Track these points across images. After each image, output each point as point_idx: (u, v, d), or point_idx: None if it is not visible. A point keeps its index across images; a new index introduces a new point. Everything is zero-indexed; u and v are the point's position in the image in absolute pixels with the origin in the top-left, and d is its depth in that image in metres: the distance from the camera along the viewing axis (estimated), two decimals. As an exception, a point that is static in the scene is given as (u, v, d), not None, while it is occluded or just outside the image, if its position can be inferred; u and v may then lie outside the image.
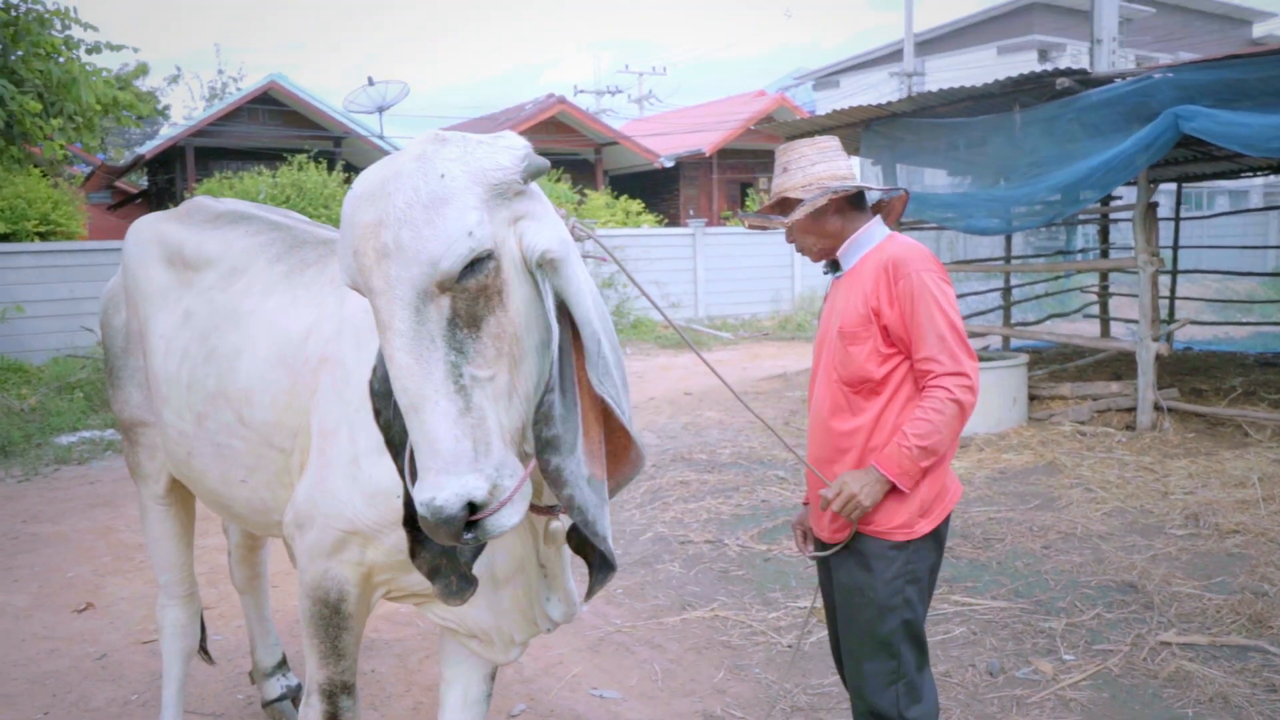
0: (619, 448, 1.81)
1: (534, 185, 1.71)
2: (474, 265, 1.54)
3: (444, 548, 1.76)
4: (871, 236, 2.41)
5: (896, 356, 2.31)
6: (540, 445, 1.61)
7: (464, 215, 1.53)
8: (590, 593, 2.01)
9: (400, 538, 2.05)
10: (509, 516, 1.55)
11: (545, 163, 1.68)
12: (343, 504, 2.12)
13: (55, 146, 7.19)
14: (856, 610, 2.37)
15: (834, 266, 2.46)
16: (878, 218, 2.44)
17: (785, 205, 2.43)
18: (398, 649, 4.16)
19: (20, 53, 6.73)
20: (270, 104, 19.31)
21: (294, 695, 3.56)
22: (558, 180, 17.66)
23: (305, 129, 19.40)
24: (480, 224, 1.55)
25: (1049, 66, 8.90)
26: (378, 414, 1.79)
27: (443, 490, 1.48)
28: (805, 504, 2.64)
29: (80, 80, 7.11)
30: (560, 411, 1.62)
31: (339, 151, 19.40)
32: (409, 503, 1.70)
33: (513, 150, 1.65)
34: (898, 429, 2.29)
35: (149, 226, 2.87)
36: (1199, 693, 3.53)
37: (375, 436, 2.04)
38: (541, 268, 1.65)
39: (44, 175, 13.66)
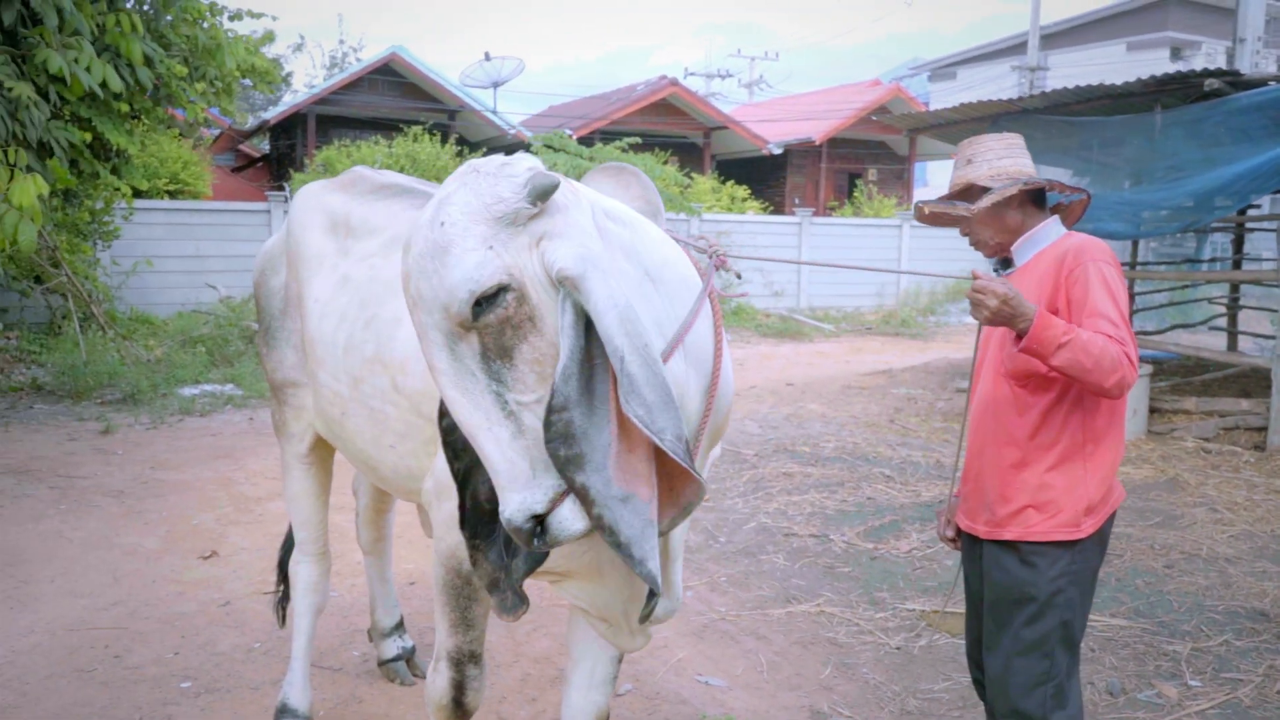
0: (670, 470, 1.72)
1: (562, 198, 1.69)
2: (486, 302, 1.59)
3: (501, 562, 1.87)
4: (1048, 234, 2.40)
5: None
6: (560, 463, 1.59)
7: (462, 260, 1.58)
8: (641, 618, 2.06)
9: None
10: (571, 522, 1.60)
11: (553, 179, 1.65)
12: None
13: (197, 110, 7.46)
14: (1013, 607, 2.33)
15: (1004, 264, 2.43)
16: (1055, 217, 2.43)
17: (964, 196, 2.41)
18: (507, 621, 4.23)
19: (169, 18, 6.99)
20: (390, 75, 19.73)
21: (408, 656, 3.66)
22: (665, 163, 17.63)
23: (422, 101, 19.77)
24: (480, 265, 1.58)
25: (1181, 65, 8.53)
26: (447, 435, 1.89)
27: (508, 506, 1.61)
28: (956, 496, 2.60)
29: (224, 46, 7.36)
30: (581, 428, 1.58)
31: (453, 125, 19.71)
32: (461, 506, 1.90)
33: (513, 179, 1.64)
34: (1066, 426, 2.26)
35: (315, 194, 2.94)
36: (1337, 732, 3.36)
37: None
38: (562, 284, 1.63)
39: (181, 136, 14.23)
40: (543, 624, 4.16)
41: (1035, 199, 2.40)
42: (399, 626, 3.66)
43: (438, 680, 2.38)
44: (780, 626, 4.23)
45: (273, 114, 19.79)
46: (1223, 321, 11.18)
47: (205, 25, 7.39)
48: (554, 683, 3.65)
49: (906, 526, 5.47)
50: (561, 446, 1.58)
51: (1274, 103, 6.51)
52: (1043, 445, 2.29)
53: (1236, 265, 10.65)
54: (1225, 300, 10.88)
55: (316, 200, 2.90)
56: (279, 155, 21.79)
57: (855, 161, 24.14)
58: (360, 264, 2.66)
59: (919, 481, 6.43)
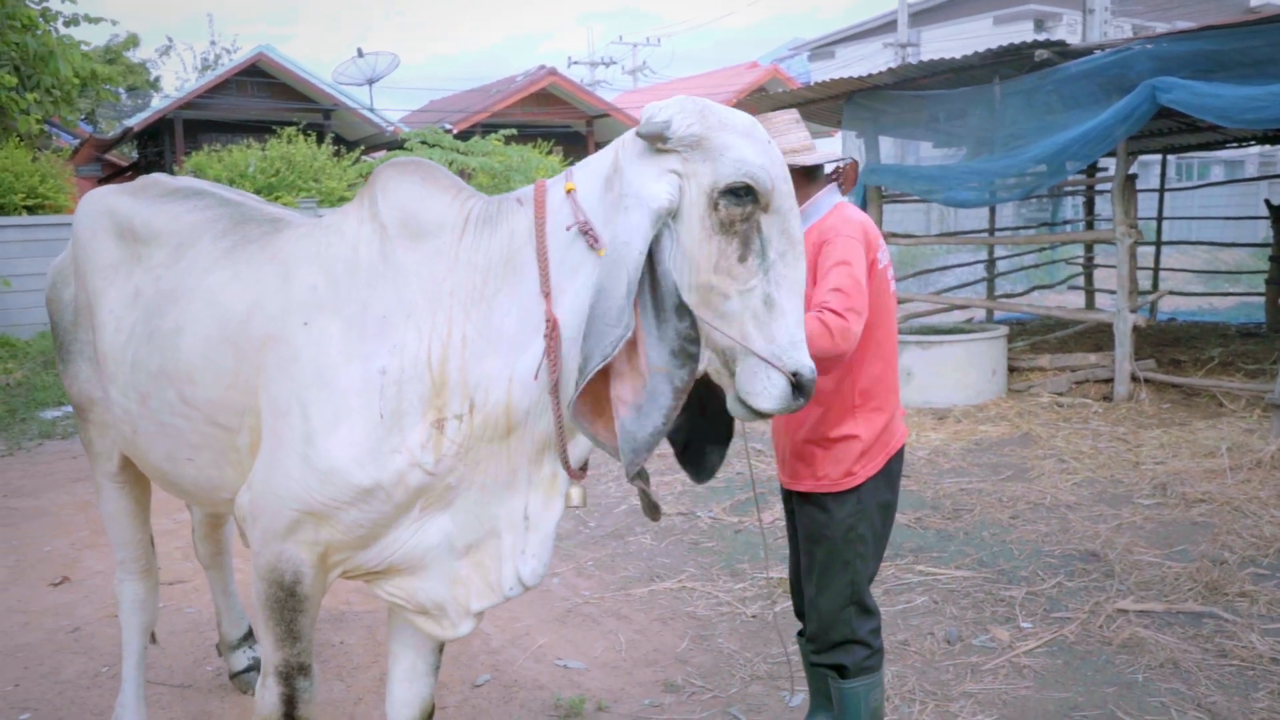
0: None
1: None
2: None
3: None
4: (820, 207, 2.58)
5: None
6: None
7: None
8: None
9: (358, 514, 2.09)
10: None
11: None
12: (296, 484, 2.11)
13: (31, 121, 7.16)
14: (815, 545, 2.70)
15: None
16: (831, 186, 2.62)
17: None
18: (368, 620, 4.22)
19: (-6, 26, 6.70)
20: (259, 76, 19.21)
21: (260, 666, 3.61)
22: (548, 153, 17.59)
23: (295, 101, 19.30)
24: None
25: (1045, 36, 8.85)
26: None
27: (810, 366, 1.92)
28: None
29: (57, 53, 7.08)
30: None
31: (329, 124, 19.31)
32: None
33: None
34: (838, 390, 2.61)
35: (99, 200, 2.82)
36: (1150, 658, 3.59)
37: (329, 413, 2.06)
38: None
39: (28, 148, 13.60)
40: (403, 622, 4.16)
41: (808, 173, 2.56)
42: (247, 637, 3.61)
43: (267, 696, 2.33)
44: (642, 605, 4.31)
45: (138, 120, 19.05)
46: (1081, 281, 11.73)
47: (38, 33, 7.11)
48: (411, 679, 3.66)
49: (772, 498, 5.61)
50: None
51: (1100, 70, 6.84)
52: (819, 407, 2.60)
53: (1089, 226, 11.16)
54: (1081, 260, 11.41)
55: (103, 206, 2.78)
56: (148, 163, 21.00)
57: (739, 143, 24.40)
58: (148, 274, 2.57)
59: (788, 453, 6.59)
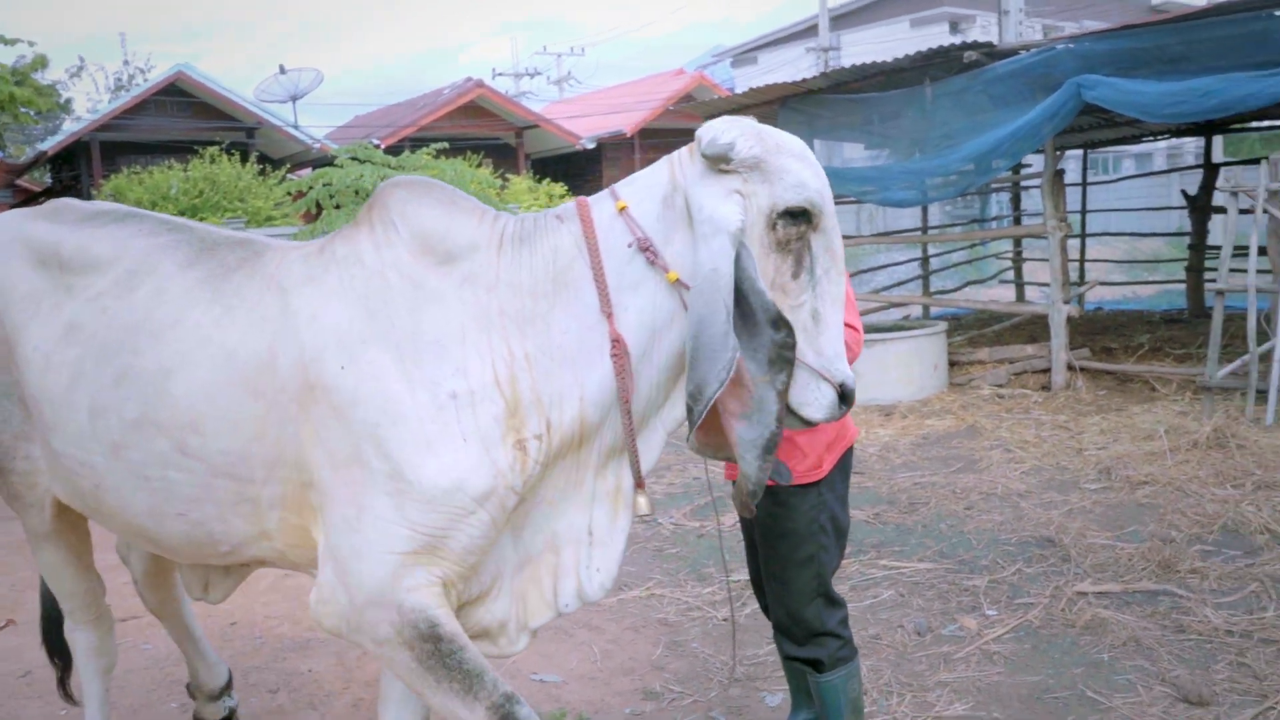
0: None
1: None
2: None
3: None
4: None
5: None
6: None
7: None
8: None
9: (466, 537, 1.97)
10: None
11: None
12: (395, 525, 1.96)
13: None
14: (779, 541, 2.74)
15: None
16: None
17: None
18: (334, 647, 4.14)
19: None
20: (179, 95, 18.75)
21: (232, 717, 3.39)
22: (478, 165, 17.48)
23: (217, 120, 18.87)
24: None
25: (960, 38, 9.11)
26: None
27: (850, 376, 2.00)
28: None
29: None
30: None
31: (253, 142, 18.91)
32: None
33: None
34: None
35: (11, 224, 2.52)
36: (1113, 638, 3.70)
37: (409, 444, 1.95)
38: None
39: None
40: (373, 646, 4.09)
41: None
42: (228, 687, 3.34)
43: None
44: (613, 615, 4.30)
45: (51, 144, 18.46)
46: (1012, 275, 12.03)
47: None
48: (386, 703, 3.60)
49: (730, 501, 5.66)
50: None
51: (1026, 70, 7.06)
52: None
53: (1016, 221, 11.47)
54: (1011, 255, 11.71)
55: (15, 230, 2.49)
56: (64, 188, 20.33)
57: (668, 150, 24.24)
58: (88, 305, 2.31)
59: (743, 456, 6.65)
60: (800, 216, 1.92)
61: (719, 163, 1.92)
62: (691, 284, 1.89)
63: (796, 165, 1.93)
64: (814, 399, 1.95)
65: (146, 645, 4.23)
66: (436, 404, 1.97)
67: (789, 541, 2.72)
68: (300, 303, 2.12)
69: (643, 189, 2.04)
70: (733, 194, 1.92)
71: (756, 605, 4.22)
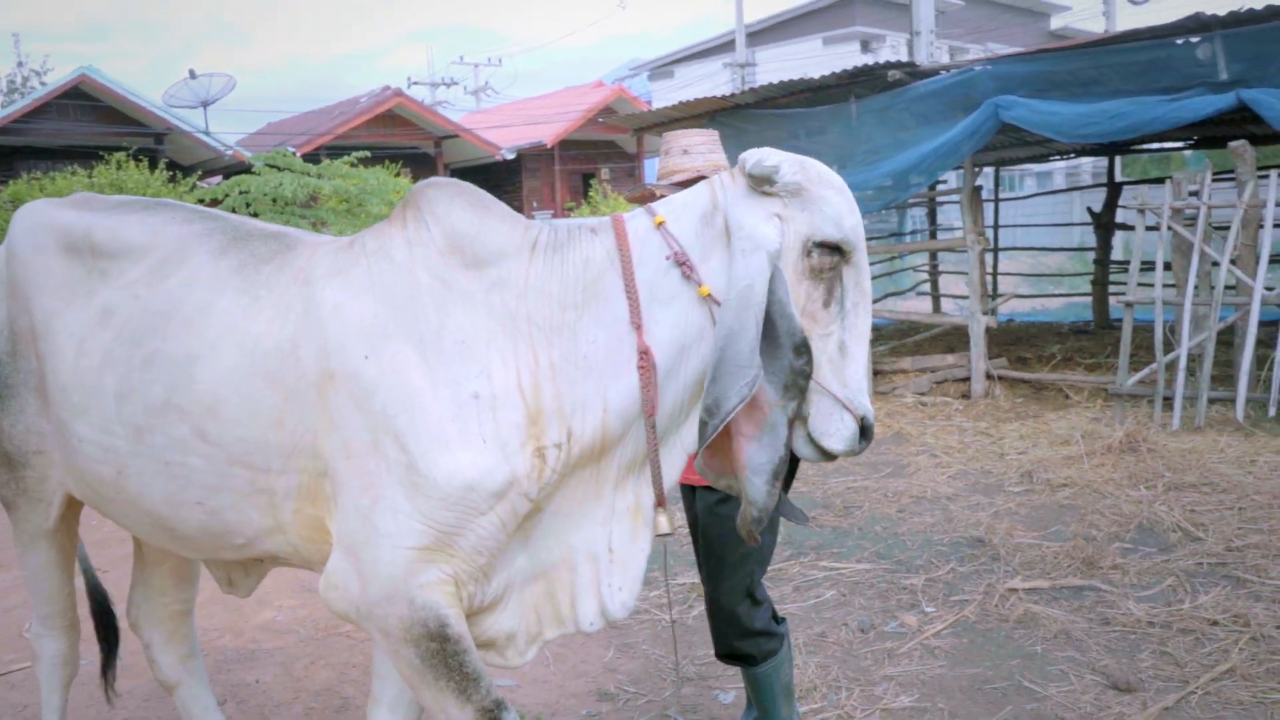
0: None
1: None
2: None
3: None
4: None
5: None
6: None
7: None
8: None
9: (478, 536, 1.98)
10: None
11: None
12: (408, 518, 1.97)
13: None
14: (717, 539, 2.82)
15: None
16: None
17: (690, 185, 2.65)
18: (280, 657, 4.08)
19: None
20: (82, 99, 18.13)
21: None
22: (397, 175, 17.31)
23: (122, 125, 18.28)
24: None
25: (872, 58, 9.44)
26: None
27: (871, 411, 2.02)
28: None
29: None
30: None
31: (162, 149, 18.42)
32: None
33: None
34: None
35: (40, 212, 2.54)
36: (1045, 631, 3.88)
37: (427, 438, 1.96)
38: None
39: None
40: (321, 655, 4.05)
41: None
42: None
43: None
44: (561, 619, 4.33)
45: (-56, 148, 17.65)
46: (928, 287, 12.43)
47: None
48: (339, 713, 3.57)
49: (672, 507, 5.74)
50: None
51: (947, 90, 7.35)
52: None
53: (933, 236, 11.85)
54: (928, 268, 12.09)
55: (45, 217, 2.51)
56: (-43, 192, 19.46)
57: (588, 162, 24.67)
58: (122, 291, 2.31)
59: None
60: (835, 248, 1.96)
61: (762, 184, 1.96)
62: (723, 299, 1.92)
63: (837, 199, 1.98)
64: (836, 430, 1.96)
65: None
66: (458, 403, 1.97)
67: (729, 542, 2.78)
68: (326, 294, 2.12)
69: (680, 207, 2.07)
70: (773, 217, 1.96)
71: (701, 608, 4.33)
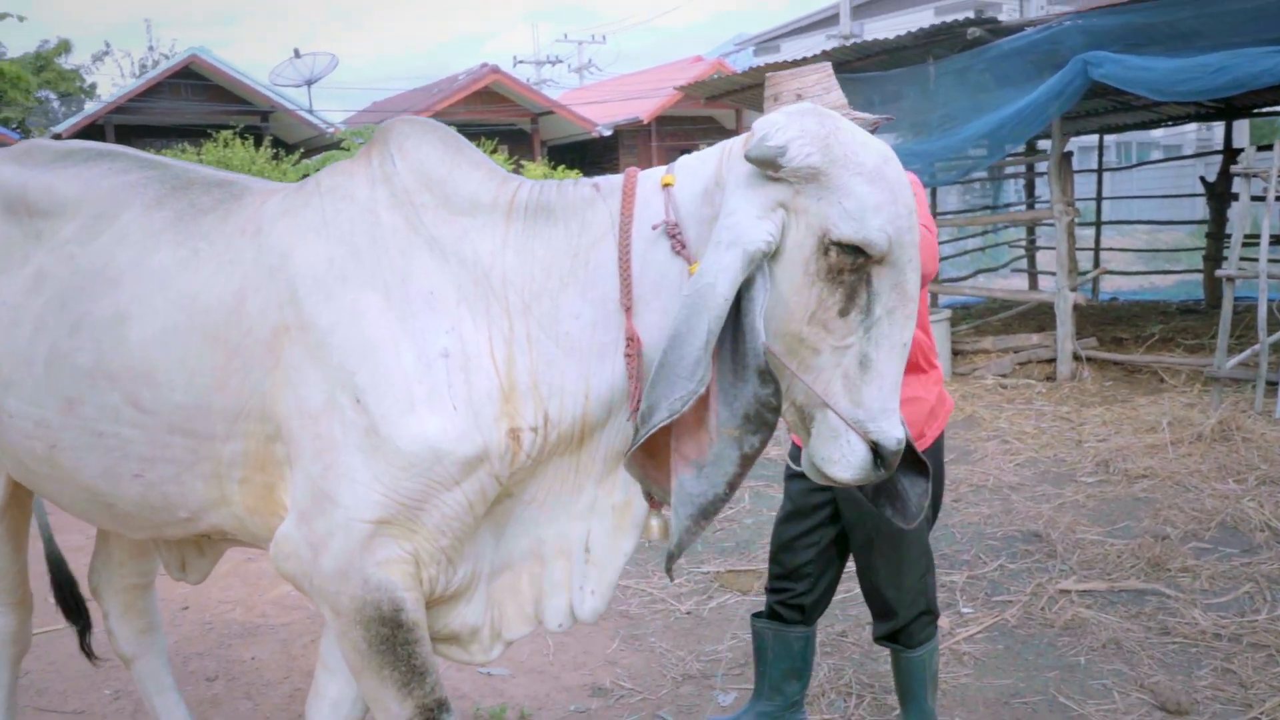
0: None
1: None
2: None
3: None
4: None
5: None
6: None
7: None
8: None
9: (443, 514, 1.80)
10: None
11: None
12: (365, 486, 1.78)
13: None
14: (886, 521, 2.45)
15: None
16: None
17: None
18: (282, 634, 4.00)
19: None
20: (193, 79, 18.80)
21: None
22: (493, 151, 17.35)
23: (231, 104, 18.90)
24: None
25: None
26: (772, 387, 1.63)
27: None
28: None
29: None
30: None
31: (267, 126, 18.89)
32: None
33: None
34: (919, 348, 2.60)
35: None
36: (1092, 639, 3.49)
37: (389, 397, 1.75)
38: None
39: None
40: (319, 635, 3.95)
41: None
42: None
43: None
44: (573, 605, 4.14)
45: (64, 126, 18.51)
46: (1025, 263, 11.75)
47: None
48: (323, 695, 3.46)
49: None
50: None
51: (1031, 47, 6.80)
52: None
53: (1029, 209, 11.18)
54: (1024, 243, 11.42)
55: None
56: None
57: (685, 138, 24.28)
58: (55, 253, 2.14)
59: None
60: (856, 250, 1.60)
61: (765, 168, 1.61)
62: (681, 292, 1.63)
63: (864, 189, 1.59)
64: (840, 456, 1.65)
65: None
66: (425, 360, 1.76)
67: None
68: (274, 239, 1.92)
69: (691, 174, 1.76)
70: (775, 208, 1.61)
71: (720, 599, 4.07)
